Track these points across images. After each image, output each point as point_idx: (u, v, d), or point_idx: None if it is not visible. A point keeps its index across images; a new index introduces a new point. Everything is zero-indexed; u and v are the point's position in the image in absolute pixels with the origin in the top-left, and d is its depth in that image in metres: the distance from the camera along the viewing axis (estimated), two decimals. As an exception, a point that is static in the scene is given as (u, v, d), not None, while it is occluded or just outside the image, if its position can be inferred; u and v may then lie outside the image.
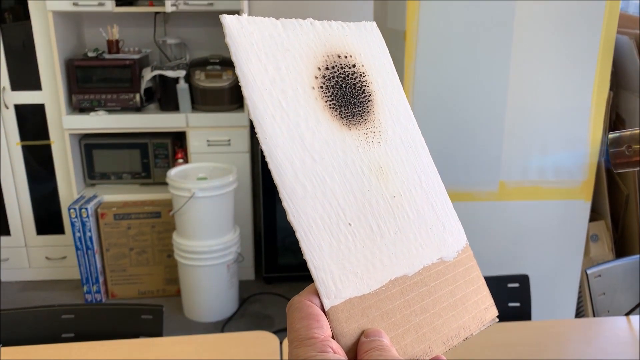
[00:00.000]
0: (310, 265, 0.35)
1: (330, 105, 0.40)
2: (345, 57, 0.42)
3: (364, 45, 0.44)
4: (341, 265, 0.36)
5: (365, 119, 0.42)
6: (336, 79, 0.41)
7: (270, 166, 0.36)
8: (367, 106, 0.42)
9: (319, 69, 0.40)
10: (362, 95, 0.42)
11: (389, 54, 0.46)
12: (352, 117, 0.41)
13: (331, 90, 0.40)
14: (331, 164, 0.38)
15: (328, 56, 0.41)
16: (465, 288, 0.42)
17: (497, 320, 0.43)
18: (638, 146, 0.52)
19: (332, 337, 0.34)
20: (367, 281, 0.37)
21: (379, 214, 0.40)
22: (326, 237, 0.36)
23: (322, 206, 0.37)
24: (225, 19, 0.36)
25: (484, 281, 0.44)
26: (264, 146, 0.36)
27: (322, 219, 0.37)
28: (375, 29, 0.46)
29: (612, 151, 0.53)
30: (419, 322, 0.38)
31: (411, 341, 0.37)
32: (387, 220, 0.40)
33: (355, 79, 0.42)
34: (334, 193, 0.38)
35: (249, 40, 0.37)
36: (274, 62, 0.38)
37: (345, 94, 0.41)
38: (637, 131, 0.52)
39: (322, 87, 0.40)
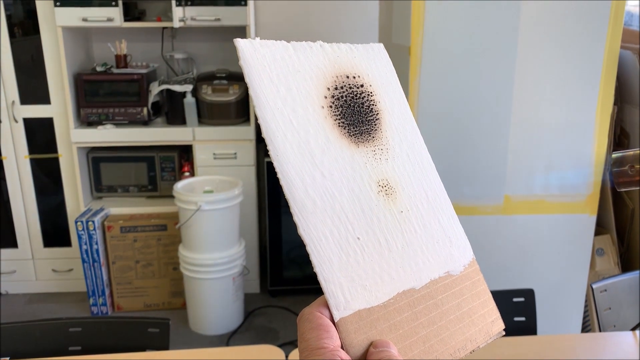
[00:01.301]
0: (320, 278, 0.36)
1: (339, 123, 0.41)
2: (354, 77, 0.44)
3: (372, 66, 0.46)
4: (350, 278, 0.37)
5: (373, 137, 0.43)
6: (345, 98, 0.43)
7: (282, 182, 0.37)
8: (375, 124, 0.44)
9: (328, 89, 0.42)
10: (370, 114, 0.44)
11: (396, 74, 0.48)
12: (361, 135, 0.42)
13: (340, 109, 0.42)
14: (340, 180, 0.40)
15: (337, 77, 0.43)
16: (471, 301, 0.43)
17: (504, 333, 0.44)
18: None
19: (342, 348, 0.35)
20: (375, 294, 0.38)
21: (387, 228, 0.41)
22: (336, 250, 0.38)
23: (332, 220, 0.38)
24: (239, 43, 0.38)
25: (490, 295, 0.45)
26: (275, 163, 0.37)
27: (332, 233, 0.38)
28: (382, 50, 0.48)
29: (615, 170, 0.54)
30: (427, 334, 0.39)
31: (419, 353, 0.38)
32: (395, 234, 0.41)
33: (363, 98, 0.44)
34: (343, 208, 0.39)
35: (262, 62, 0.39)
36: (285, 83, 0.40)
37: (354, 113, 0.43)
38: None
39: (331, 107, 0.42)
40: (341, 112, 0.42)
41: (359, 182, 0.41)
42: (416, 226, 0.43)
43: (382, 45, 0.48)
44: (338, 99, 0.42)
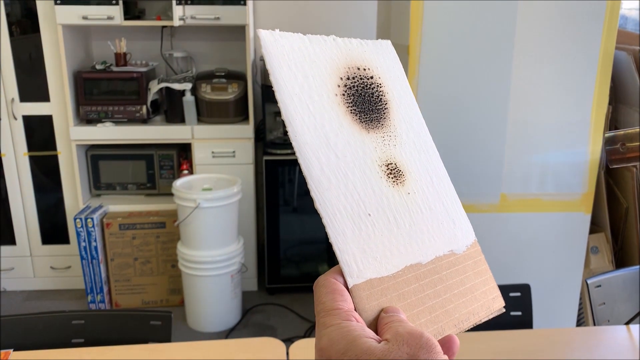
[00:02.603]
0: (335, 248, 0.40)
1: (351, 110, 0.45)
2: (364, 69, 0.48)
3: (381, 60, 0.50)
4: (362, 250, 0.41)
5: (382, 124, 0.47)
6: (356, 87, 0.46)
7: (300, 160, 0.41)
8: (384, 113, 0.47)
9: (341, 78, 0.46)
10: (380, 103, 0.47)
11: (403, 69, 0.51)
12: (371, 122, 0.46)
13: (352, 97, 0.46)
14: (352, 162, 0.43)
15: (349, 68, 0.46)
16: (474, 279, 0.46)
17: (504, 310, 0.47)
18: (631, 144, 0.56)
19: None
20: (385, 265, 0.41)
21: (395, 207, 0.44)
22: (349, 224, 0.41)
23: (345, 197, 0.41)
24: (261, 33, 0.41)
25: (491, 274, 0.48)
26: (294, 143, 0.41)
27: (345, 209, 0.41)
28: (390, 47, 0.52)
29: (608, 148, 0.58)
30: (432, 305, 0.42)
31: (425, 321, 0.41)
32: (403, 213, 0.44)
33: (373, 88, 0.48)
34: (355, 187, 0.42)
35: (281, 51, 0.43)
36: (302, 71, 0.43)
37: (364, 102, 0.46)
38: (631, 131, 0.57)
39: (344, 95, 0.45)
40: (353, 100, 0.45)
41: (369, 164, 0.44)
42: (422, 207, 0.46)
43: (389, 42, 0.52)
44: (350, 88, 0.46)
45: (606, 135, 0.59)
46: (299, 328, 2.75)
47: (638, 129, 0.57)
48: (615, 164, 0.58)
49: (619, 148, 0.57)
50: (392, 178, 0.45)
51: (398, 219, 0.44)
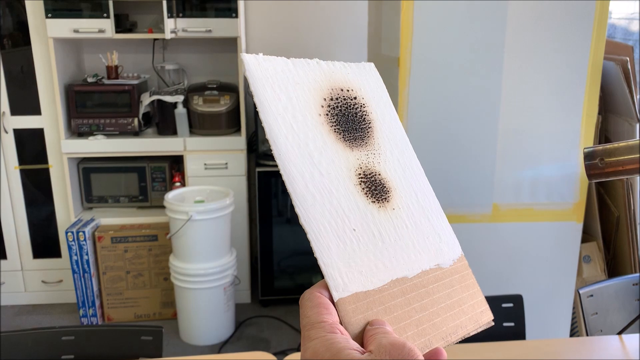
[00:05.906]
0: (320, 263, 0.40)
1: (335, 129, 0.46)
2: (347, 90, 0.49)
3: (364, 82, 0.51)
4: (347, 264, 0.41)
5: (366, 142, 0.48)
6: (339, 108, 0.47)
7: (284, 177, 0.41)
8: (368, 132, 0.48)
9: (325, 99, 0.47)
10: (363, 123, 0.48)
11: (386, 90, 0.52)
12: (355, 140, 0.47)
13: (335, 117, 0.46)
14: (337, 178, 0.44)
15: (332, 89, 0.47)
16: (461, 292, 0.46)
17: (493, 323, 0.47)
18: (609, 159, 0.57)
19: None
20: (370, 279, 0.42)
21: (380, 223, 0.45)
22: (334, 239, 0.41)
23: (330, 213, 0.42)
24: (245, 57, 0.42)
25: (479, 288, 0.48)
26: (278, 161, 0.41)
27: (330, 224, 0.41)
28: (373, 69, 0.53)
29: (587, 163, 0.58)
30: (419, 318, 0.42)
31: (412, 334, 0.41)
32: (388, 228, 0.45)
33: (356, 108, 0.49)
34: (340, 203, 0.43)
35: (265, 74, 0.43)
36: (286, 92, 0.44)
37: (348, 121, 0.47)
38: (609, 146, 0.58)
39: (327, 115, 0.46)
40: (336, 119, 0.46)
41: (354, 181, 0.45)
42: (407, 222, 0.46)
43: (372, 64, 0.53)
44: (334, 108, 0.47)
45: (585, 150, 0.60)
46: (293, 340, 2.73)
47: (617, 144, 0.58)
48: (594, 178, 0.59)
49: (598, 163, 0.58)
50: (376, 194, 0.45)
51: (383, 233, 0.44)
